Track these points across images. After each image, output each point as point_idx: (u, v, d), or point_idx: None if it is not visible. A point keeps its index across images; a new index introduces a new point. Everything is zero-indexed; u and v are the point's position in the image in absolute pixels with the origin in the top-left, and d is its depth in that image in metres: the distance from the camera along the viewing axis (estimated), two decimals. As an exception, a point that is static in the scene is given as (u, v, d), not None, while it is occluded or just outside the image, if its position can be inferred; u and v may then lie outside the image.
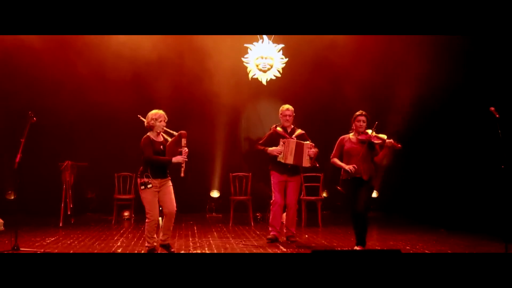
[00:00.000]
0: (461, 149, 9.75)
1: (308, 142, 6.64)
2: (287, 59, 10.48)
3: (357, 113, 6.02)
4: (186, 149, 5.68)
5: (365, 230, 5.97)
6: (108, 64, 9.64)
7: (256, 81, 10.47)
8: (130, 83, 9.82)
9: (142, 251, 6.02)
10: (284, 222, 7.02)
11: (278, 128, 6.85)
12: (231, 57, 10.17)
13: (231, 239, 7.11)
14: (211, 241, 6.85)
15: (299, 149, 6.55)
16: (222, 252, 6.06)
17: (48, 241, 6.77)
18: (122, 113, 9.79)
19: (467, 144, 9.63)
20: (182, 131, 5.74)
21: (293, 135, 6.77)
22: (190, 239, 7.04)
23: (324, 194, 9.92)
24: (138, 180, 5.63)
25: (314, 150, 6.59)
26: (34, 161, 8.69)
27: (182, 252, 6.06)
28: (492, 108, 5.41)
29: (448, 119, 9.89)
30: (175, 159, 5.64)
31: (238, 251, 6.12)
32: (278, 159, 6.64)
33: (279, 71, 10.50)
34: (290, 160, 6.57)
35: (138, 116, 6.02)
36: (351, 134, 6.08)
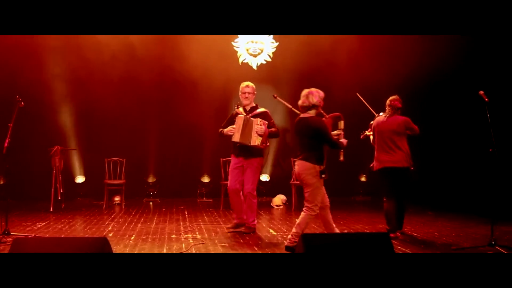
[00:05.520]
0: (449, 132, 9.82)
1: (258, 119, 6.18)
2: (277, 43, 10.45)
3: None
4: (342, 132, 5.34)
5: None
6: (96, 50, 9.58)
7: (246, 65, 10.43)
8: (118, 68, 9.75)
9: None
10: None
11: (240, 109, 6.47)
12: (220, 42, 10.11)
13: (221, 223, 7.14)
14: (202, 226, 6.88)
15: (247, 126, 6.11)
16: (213, 236, 6.09)
17: (39, 226, 6.77)
18: (111, 97, 9.77)
19: (455, 127, 9.70)
20: (339, 113, 5.42)
21: (251, 114, 6.32)
22: (181, 224, 7.07)
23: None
24: (316, 167, 5.01)
25: (262, 127, 6.10)
26: (23, 146, 8.65)
27: (173, 236, 6.09)
28: (482, 92, 5.44)
29: (438, 102, 9.93)
30: (345, 143, 5.29)
31: (229, 236, 6.15)
32: (232, 139, 6.24)
33: (269, 56, 10.48)
34: (236, 138, 6.13)
35: (274, 96, 5.94)
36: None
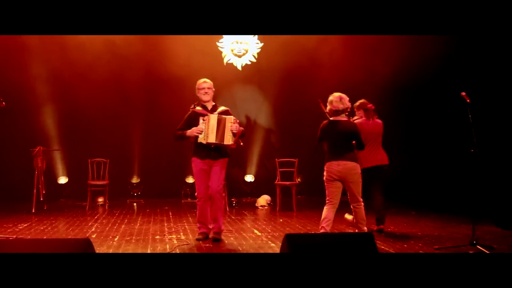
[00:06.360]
0: (431, 132, 9.90)
1: (231, 117, 5.81)
2: (262, 44, 10.46)
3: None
4: None
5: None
6: (79, 50, 9.50)
7: (231, 66, 10.43)
8: (102, 67, 9.67)
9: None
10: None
11: (197, 108, 5.96)
12: (205, 42, 10.10)
13: (206, 223, 7.12)
14: (186, 226, 6.86)
15: (220, 125, 5.68)
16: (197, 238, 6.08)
17: (21, 227, 6.68)
18: (94, 97, 9.70)
19: (437, 128, 9.79)
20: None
21: (215, 112, 5.87)
22: (165, 224, 7.04)
23: (299, 179, 10.02)
24: (358, 165, 5.44)
25: (236, 125, 5.74)
26: (4, 146, 8.54)
27: (157, 237, 6.06)
28: (463, 93, 5.51)
29: (420, 102, 10.02)
30: None
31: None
32: (199, 141, 5.71)
33: (254, 56, 10.49)
34: (212, 139, 5.63)
35: (318, 100, 5.74)
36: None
